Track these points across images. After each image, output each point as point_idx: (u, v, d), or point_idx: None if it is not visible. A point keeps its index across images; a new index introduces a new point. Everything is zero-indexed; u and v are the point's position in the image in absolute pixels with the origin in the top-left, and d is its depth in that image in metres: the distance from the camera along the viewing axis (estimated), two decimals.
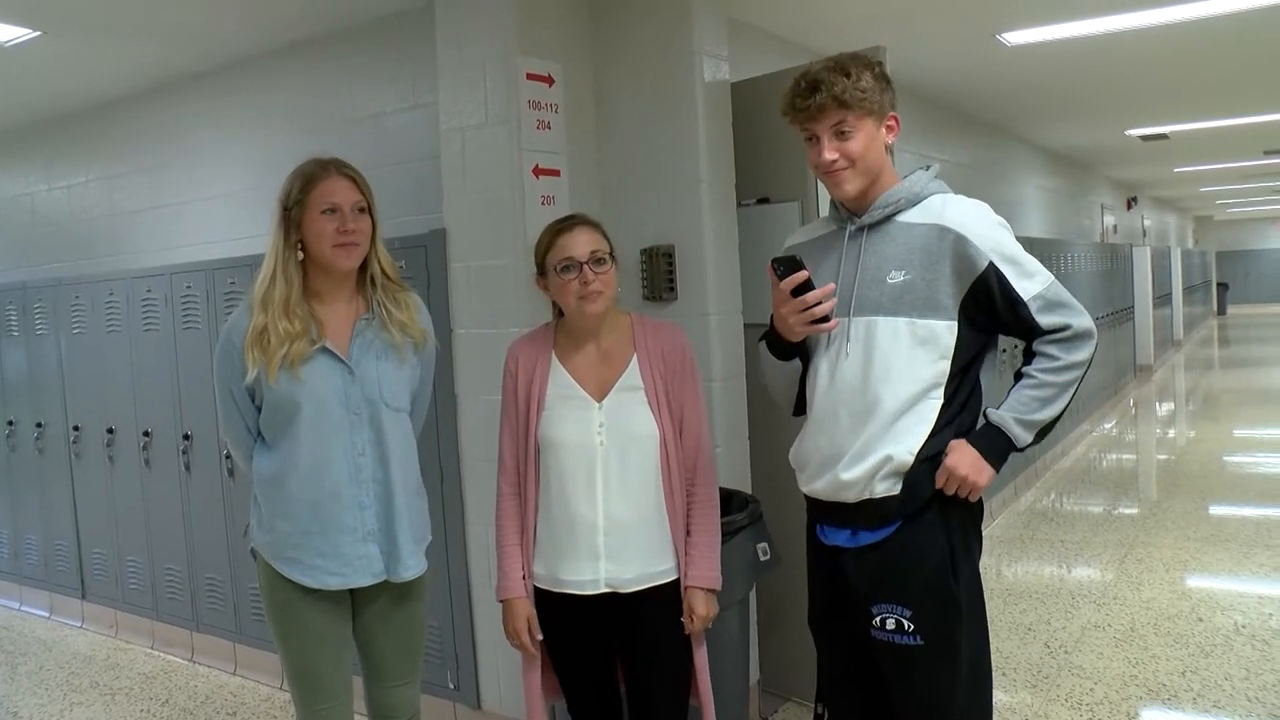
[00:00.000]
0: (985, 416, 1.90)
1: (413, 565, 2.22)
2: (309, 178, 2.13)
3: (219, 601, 4.09)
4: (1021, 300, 1.84)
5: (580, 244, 2.14)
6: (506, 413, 2.25)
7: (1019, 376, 1.89)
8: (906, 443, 1.87)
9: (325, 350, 2.13)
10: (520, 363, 2.23)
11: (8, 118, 5.21)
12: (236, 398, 2.17)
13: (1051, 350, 1.85)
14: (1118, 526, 5.67)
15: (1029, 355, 1.89)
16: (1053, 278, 1.88)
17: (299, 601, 2.17)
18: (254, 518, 2.23)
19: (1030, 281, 1.85)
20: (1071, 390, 1.86)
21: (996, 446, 1.87)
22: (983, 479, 1.87)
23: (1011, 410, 1.87)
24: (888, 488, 1.88)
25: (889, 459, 1.87)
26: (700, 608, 2.17)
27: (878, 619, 1.91)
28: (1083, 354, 1.85)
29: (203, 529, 4.11)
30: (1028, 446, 1.90)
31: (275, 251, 2.14)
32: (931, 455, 1.88)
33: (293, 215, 2.13)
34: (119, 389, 4.39)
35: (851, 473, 1.90)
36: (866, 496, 1.90)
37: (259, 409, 2.17)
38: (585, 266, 2.11)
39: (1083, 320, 1.86)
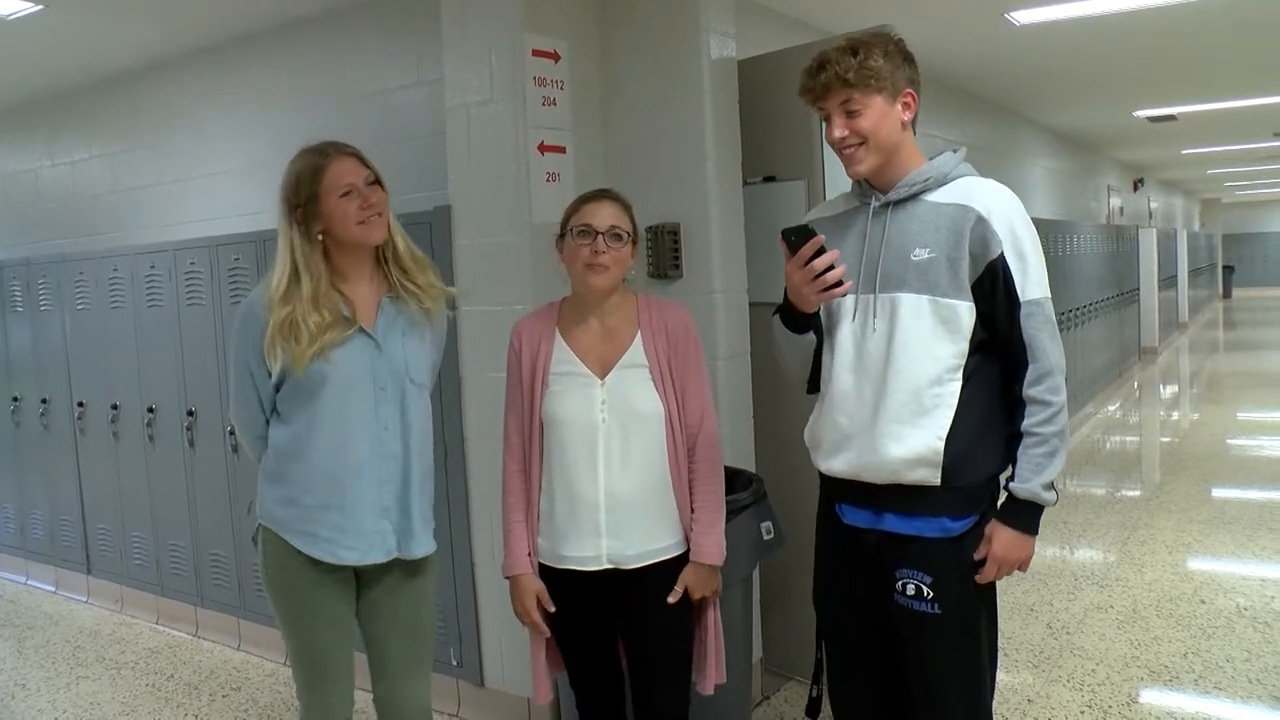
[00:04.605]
0: (1010, 493, 1.87)
1: (424, 543, 2.22)
2: (317, 168, 2.09)
3: (223, 577, 4.11)
4: (1018, 301, 1.84)
5: (602, 215, 2.15)
6: (511, 390, 2.25)
7: (1014, 437, 1.88)
8: (931, 428, 1.85)
9: (359, 330, 2.12)
10: (525, 340, 2.23)
11: (10, 93, 5.19)
12: (255, 376, 2.12)
13: (1041, 396, 1.84)
14: (1121, 508, 5.68)
15: (1016, 405, 1.87)
16: (1049, 294, 1.88)
17: (311, 581, 2.14)
18: (264, 492, 2.18)
19: (1032, 286, 1.84)
20: (1065, 432, 1.87)
21: (1031, 517, 1.88)
22: (1028, 552, 1.89)
23: (1034, 477, 1.85)
24: (922, 476, 1.87)
25: (918, 448, 1.85)
26: (694, 585, 2.17)
27: (900, 584, 1.91)
28: (1063, 393, 1.86)
29: (207, 505, 4.12)
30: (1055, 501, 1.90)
31: (290, 248, 2.08)
32: (964, 448, 1.85)
33: (309, 209, 2.08)
34: (123, 365, 4.39)
35: (877, 457, 1.89)
36: (894, 481, 1.89)
37: (276, 387, 2.12)
38: (600, 237, 2.12)
39: (1059, 355, 1.85)
